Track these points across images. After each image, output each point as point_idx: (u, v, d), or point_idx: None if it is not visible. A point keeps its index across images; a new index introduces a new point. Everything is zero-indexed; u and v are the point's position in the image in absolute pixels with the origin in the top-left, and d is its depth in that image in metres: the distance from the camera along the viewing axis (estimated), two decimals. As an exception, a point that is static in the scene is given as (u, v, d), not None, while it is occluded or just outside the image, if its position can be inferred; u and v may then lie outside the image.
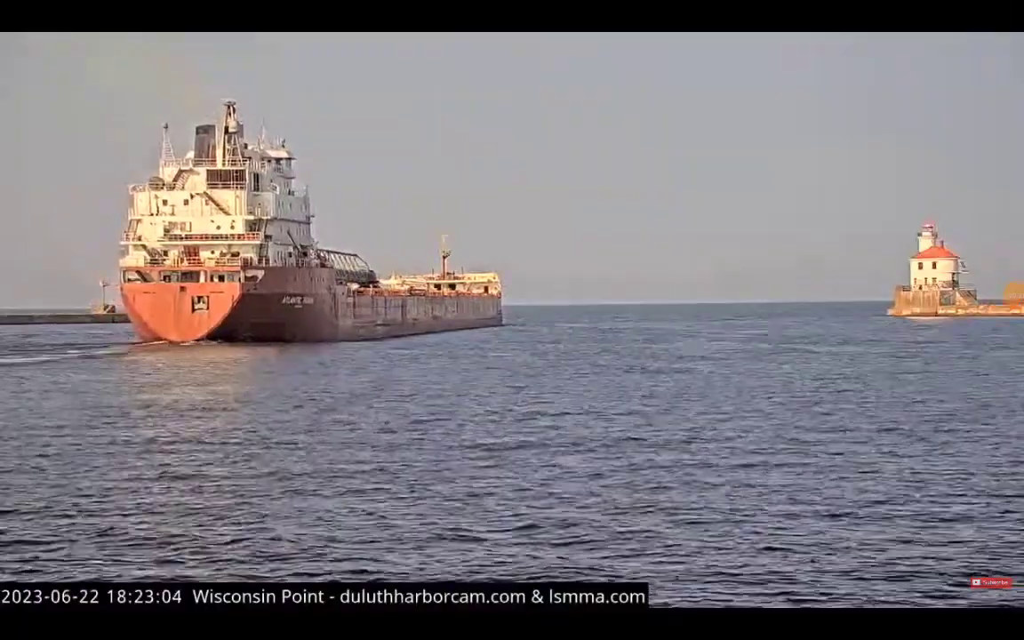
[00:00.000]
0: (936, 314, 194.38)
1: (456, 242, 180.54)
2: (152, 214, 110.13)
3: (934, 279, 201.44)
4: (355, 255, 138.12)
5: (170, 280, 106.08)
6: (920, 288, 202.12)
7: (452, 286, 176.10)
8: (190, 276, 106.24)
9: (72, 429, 41.09)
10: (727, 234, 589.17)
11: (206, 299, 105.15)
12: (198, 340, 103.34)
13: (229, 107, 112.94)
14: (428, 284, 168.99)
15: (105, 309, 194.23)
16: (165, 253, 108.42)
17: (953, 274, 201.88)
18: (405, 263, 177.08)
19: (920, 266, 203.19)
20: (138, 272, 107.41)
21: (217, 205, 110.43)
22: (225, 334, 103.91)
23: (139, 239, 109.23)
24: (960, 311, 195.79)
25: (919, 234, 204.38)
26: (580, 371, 73.27)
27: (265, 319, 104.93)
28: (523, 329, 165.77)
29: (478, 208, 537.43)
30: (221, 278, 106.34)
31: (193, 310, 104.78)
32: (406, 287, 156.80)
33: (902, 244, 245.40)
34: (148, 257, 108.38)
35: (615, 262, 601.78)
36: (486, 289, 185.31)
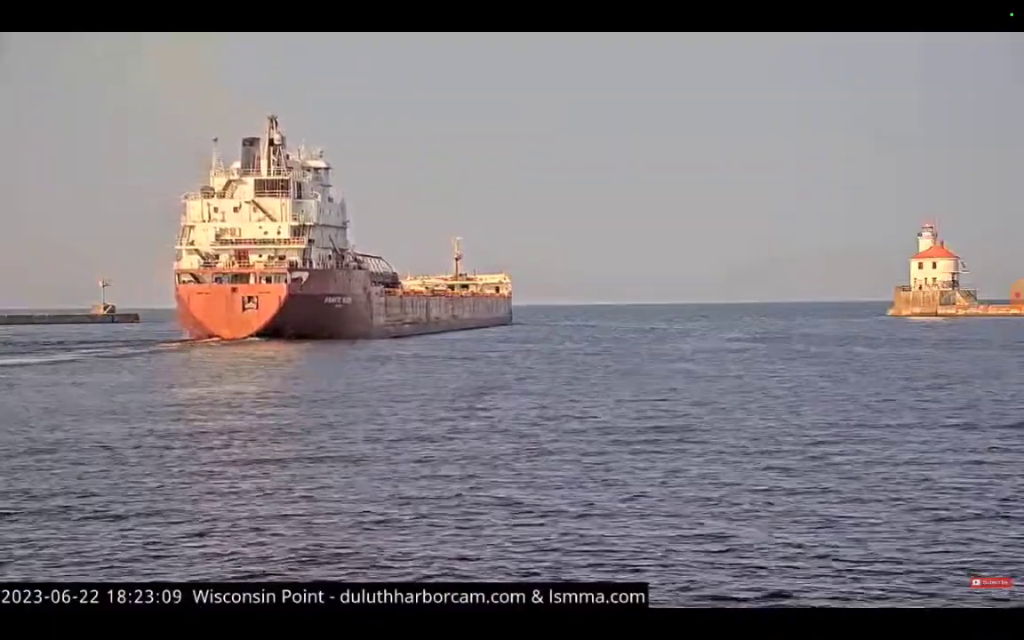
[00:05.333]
0: (936, 314, 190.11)
1: (463, 243, 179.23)
2: (204, 221, 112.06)
3: (934, 279, 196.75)
4: (379, 257, 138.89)
5: (222, 282, 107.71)
6: (920, 288, 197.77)
7: (465, 286, 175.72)
8: (241, 278, 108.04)
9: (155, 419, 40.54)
10: (727, 234, 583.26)
11: (256, 299, 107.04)
12: (248, 337, 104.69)
13: (272, 121, 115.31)
14: (445, 285, 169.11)
15: (105, 309, 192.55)
16: (217, 257, 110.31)
17: (953, 274, 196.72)
18: (406, 262, 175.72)
19: (920, 266, 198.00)
20: (192, 274, 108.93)
21: (264, 212, 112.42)
22: (272, 332, 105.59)
23: (192, 244, 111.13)
24: (960, 311, 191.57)
25: (919, 234, 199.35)
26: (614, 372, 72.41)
27: (309, 318, 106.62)
28: (566, 330, 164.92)
29: (484, 210, 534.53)
30: (269, 279, 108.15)
31: (244, 309, 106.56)
32: (426, 288, 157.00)
33: (902, 244, 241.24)
34: (201, 261, 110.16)
35: (617, 263, 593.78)
36: (497, 289, 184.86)
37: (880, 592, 17.09)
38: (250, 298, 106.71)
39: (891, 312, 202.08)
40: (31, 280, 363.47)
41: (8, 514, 23.31)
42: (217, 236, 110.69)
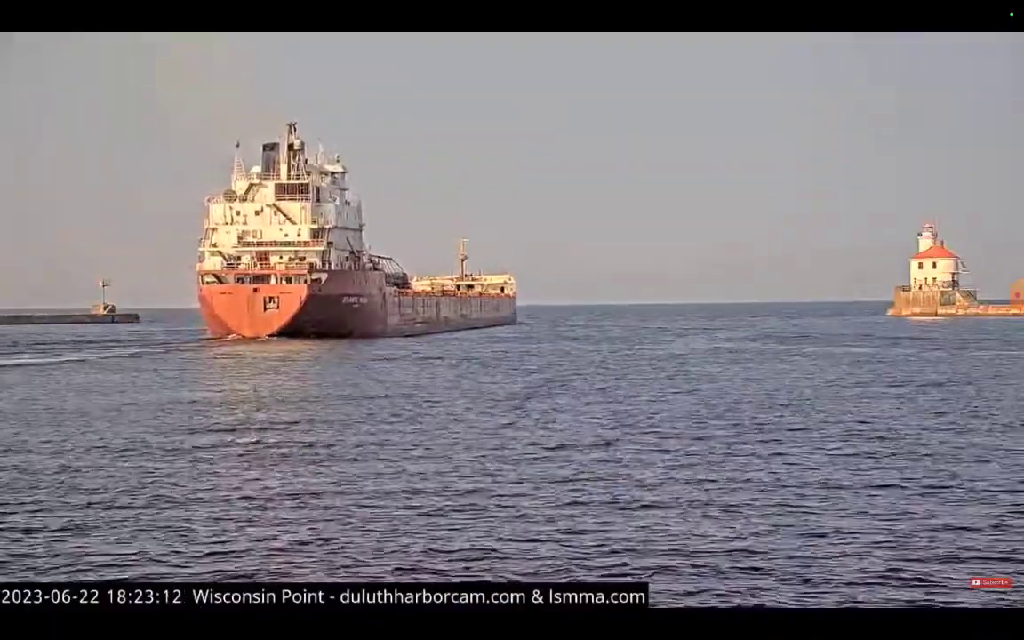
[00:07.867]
0: (936, 314, 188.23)
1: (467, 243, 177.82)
2: (227, 223, 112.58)
3: (934, 279, 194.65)
4: (391, 258, 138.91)
5: (244, 282, 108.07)
6: (920, 288, 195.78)
7: (470, 287, 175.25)
8: (262, 279, 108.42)
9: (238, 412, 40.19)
10: (727, 234, 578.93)
11: (277, 299, 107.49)
12: (269, 336, 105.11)
13: (291, 127, 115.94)
14: (452, 285, 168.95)
15: (105, 309, 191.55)
16: (239, 258, 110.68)
17: (953, 274, 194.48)
18: (410, 262, 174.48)
19: (920, 266, 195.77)
20: (215, 275, 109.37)
21: (285, 215, 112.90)
22: (292, 331, 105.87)
23: (215, 246, 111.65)
24: (960, 311, 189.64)
25: (919, 234, 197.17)
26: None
27: (328, 317, 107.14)
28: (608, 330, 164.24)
29: (485, 210, 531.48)
30: (289, 280, 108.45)
31: (265, 309, 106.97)
32: (434, 288, 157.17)
33: (902, 244, 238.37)
34: (224, 262, 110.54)
35: (617, 263, 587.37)
36: (502, 289, 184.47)
37: (880, 592, 16.60)
38: (271, 298, 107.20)
39: (891, 312, 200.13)
40: (31, 280, 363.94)
41: (8, 514, 22.89)
42: (239, 238, 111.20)
